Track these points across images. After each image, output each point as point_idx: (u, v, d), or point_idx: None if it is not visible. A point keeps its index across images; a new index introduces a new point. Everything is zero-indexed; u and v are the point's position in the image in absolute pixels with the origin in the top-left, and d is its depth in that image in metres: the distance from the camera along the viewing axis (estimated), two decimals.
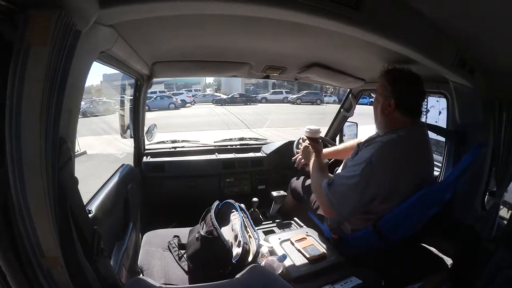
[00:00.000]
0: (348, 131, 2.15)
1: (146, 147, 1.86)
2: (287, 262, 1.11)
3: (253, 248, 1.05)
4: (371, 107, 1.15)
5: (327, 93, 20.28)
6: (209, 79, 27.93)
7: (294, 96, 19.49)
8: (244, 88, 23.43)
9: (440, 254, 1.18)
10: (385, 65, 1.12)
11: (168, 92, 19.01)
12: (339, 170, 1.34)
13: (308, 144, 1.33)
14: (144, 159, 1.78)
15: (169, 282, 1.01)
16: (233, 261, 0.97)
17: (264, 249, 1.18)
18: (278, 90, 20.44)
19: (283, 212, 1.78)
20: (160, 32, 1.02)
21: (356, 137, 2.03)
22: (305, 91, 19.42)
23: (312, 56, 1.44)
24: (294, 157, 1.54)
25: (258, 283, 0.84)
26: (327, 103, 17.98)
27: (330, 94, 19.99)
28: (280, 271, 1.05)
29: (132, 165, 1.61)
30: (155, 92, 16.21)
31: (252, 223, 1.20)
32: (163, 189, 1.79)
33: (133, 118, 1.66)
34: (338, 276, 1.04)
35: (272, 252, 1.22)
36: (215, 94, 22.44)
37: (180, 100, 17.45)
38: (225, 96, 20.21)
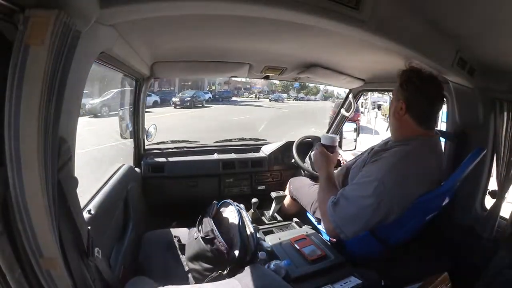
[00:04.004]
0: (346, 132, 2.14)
1: (146, 147, 1.86)
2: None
3: (251, 248, 1.05)
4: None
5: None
6: None
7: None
8: None
9: (440, 255, 1.18)
10: (406, 63, 1.01)
11: None
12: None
13: (321, 152, 1.19)
14: (144, 159, 1.78)
15: (169, 282, 1.01)
16: (232, 262, 0.97)
17: (263, 256, 1.18)
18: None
19: (283, 212, 1.78)
20: (160, 32, 1.02)
21: (355, 140, 2.04)
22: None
23: (312, 57, 1.44)
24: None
25: (257, 283, 0.84)
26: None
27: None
28: (282, 276, 1.05)
29: (132, 166, 1.61)
30: None
31: (251, 223, 1.20)
32: (163, 190, 1.79)
33: (133, 118, 1.67)
34: (337, 276, 1.04)
35: (271, 253, 1.22)
36: None
37: None
38: None
